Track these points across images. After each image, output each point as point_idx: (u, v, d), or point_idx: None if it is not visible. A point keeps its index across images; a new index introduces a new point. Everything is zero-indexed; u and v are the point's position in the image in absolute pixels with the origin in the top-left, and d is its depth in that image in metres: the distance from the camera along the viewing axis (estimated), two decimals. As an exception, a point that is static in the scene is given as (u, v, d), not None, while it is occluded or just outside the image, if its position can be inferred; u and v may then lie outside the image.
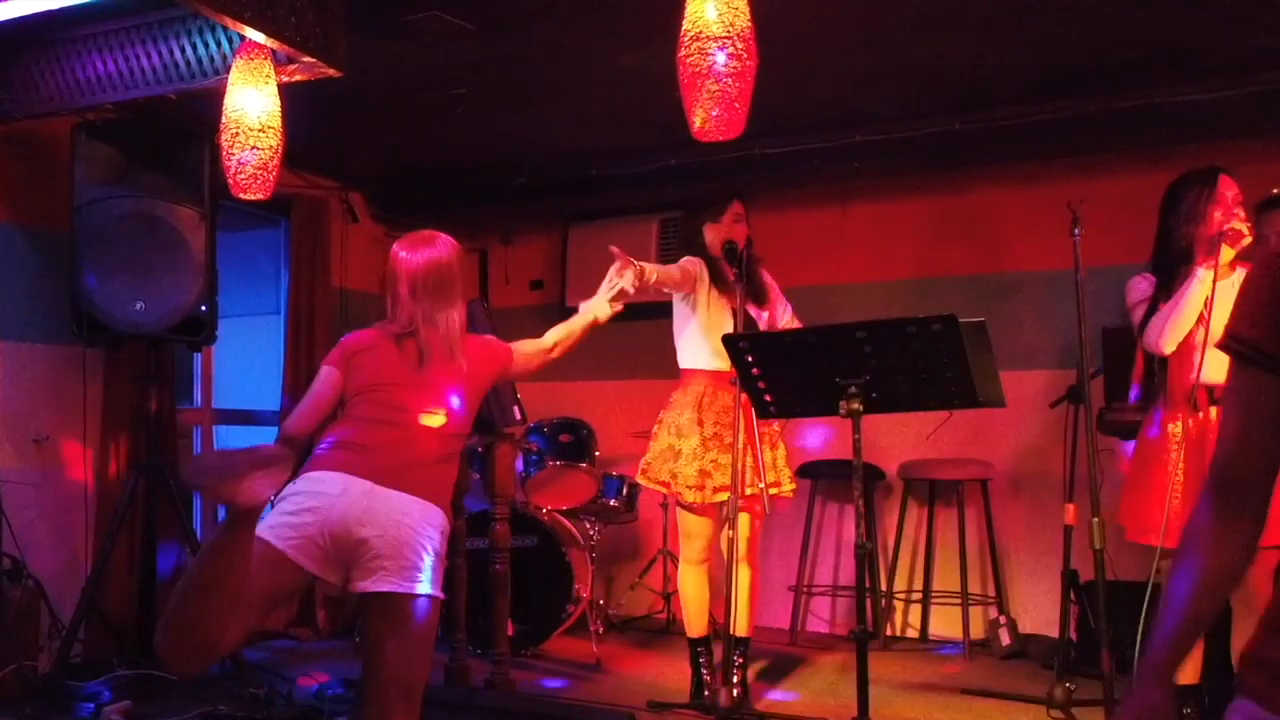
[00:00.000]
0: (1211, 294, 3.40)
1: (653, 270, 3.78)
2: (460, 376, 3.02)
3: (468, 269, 6.79)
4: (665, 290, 3.99)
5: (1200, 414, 3.41)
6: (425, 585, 2.75)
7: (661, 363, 4.39)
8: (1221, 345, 1.30)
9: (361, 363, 3.00)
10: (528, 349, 3.35)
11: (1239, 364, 1.28)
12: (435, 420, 2.93)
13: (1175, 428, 3.46)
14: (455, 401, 2.98)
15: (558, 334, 3.43)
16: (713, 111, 2.78)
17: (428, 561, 2.77)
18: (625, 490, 5.40)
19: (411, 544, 2.75)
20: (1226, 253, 3.36)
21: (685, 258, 4.10)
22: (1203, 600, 1.31)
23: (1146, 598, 3.32)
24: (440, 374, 2.99)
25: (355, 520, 2.71)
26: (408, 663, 2.76)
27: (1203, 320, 3.40)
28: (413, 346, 3.01)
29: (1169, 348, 3.45)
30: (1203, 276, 3.39)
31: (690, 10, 2.82)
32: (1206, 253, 3.40)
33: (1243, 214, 3.43)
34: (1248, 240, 3.37)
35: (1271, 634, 1.21)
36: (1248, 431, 1.27)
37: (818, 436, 5.69)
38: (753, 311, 4.06)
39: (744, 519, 3.93)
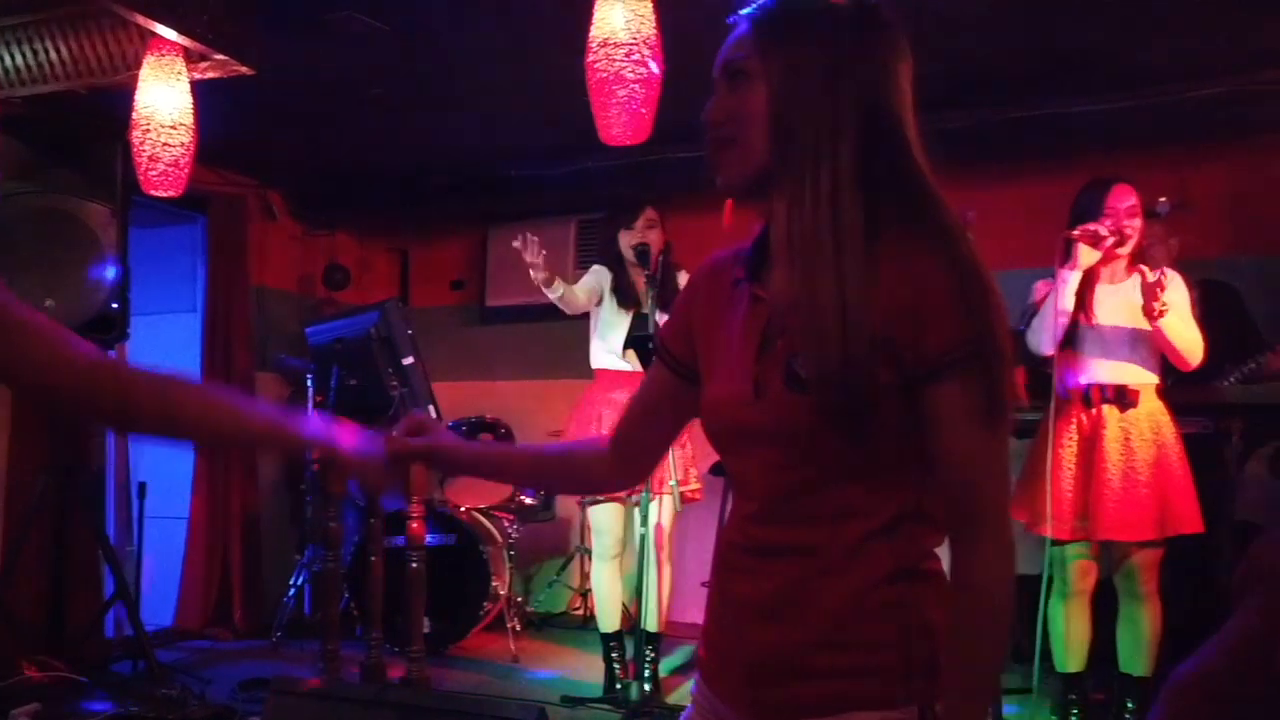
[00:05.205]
0: (1091, 295, 3.55)
1: (561, 285, 4.01)
2: None
3: (389, 268, 6.83)
4: (569, 308, 4.15)
5: (1093, 410, 3.53)
6: None
7: (580, 363, 4.44)
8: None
9: None
10: None
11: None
12: None
13: (1068, 424, 3.59)
14: None
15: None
16: (619, 116, 2.85)
17: None
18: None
19: None
20: (1087, 254, 3.47)
21: (594, 267, 4.28)
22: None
23: (1042, 590, 3.47)
24: None
25: None
26: None
27: (1087, 321, 3.55)
28: None
29: (1044, 348, 3.58)
30: (1065, 278, 3.50)
31: (598, 17, 2.88)
32: (1064, 256, 3.50)
33: (1138, 224, 3.53)
34: (1109, 240, 3.44)
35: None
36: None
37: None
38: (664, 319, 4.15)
39: (655, 515, 4.01)
